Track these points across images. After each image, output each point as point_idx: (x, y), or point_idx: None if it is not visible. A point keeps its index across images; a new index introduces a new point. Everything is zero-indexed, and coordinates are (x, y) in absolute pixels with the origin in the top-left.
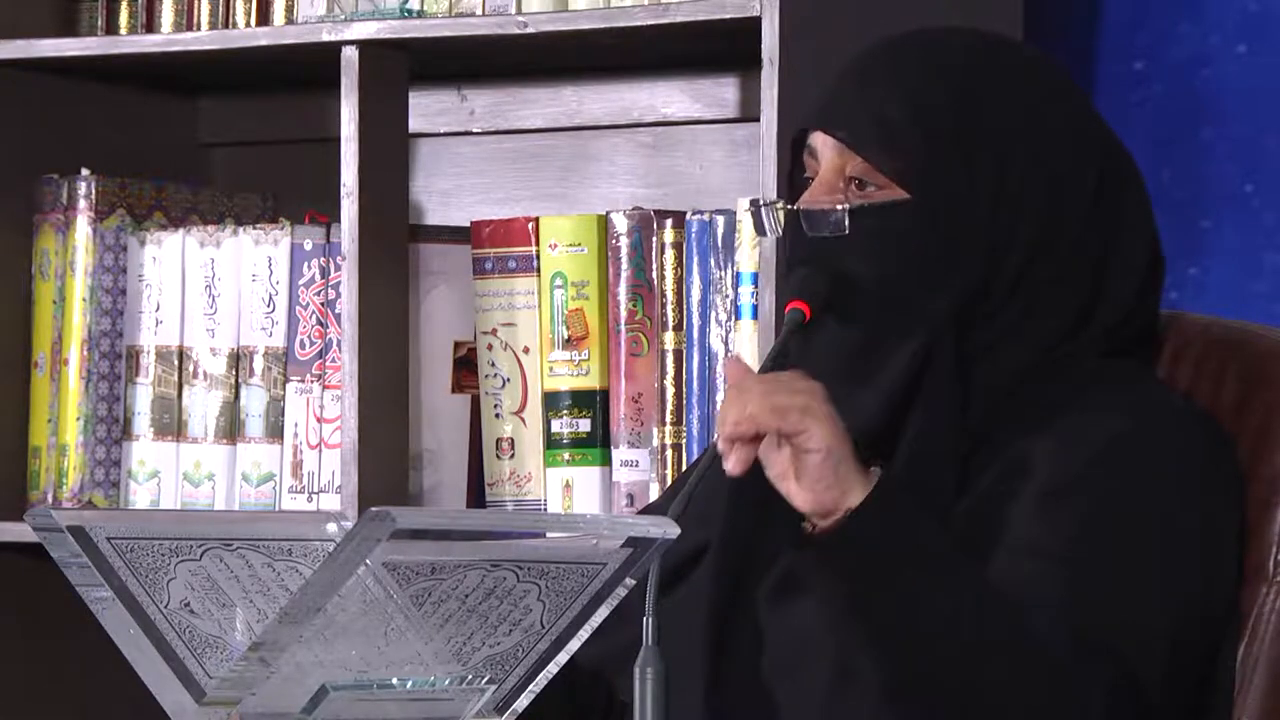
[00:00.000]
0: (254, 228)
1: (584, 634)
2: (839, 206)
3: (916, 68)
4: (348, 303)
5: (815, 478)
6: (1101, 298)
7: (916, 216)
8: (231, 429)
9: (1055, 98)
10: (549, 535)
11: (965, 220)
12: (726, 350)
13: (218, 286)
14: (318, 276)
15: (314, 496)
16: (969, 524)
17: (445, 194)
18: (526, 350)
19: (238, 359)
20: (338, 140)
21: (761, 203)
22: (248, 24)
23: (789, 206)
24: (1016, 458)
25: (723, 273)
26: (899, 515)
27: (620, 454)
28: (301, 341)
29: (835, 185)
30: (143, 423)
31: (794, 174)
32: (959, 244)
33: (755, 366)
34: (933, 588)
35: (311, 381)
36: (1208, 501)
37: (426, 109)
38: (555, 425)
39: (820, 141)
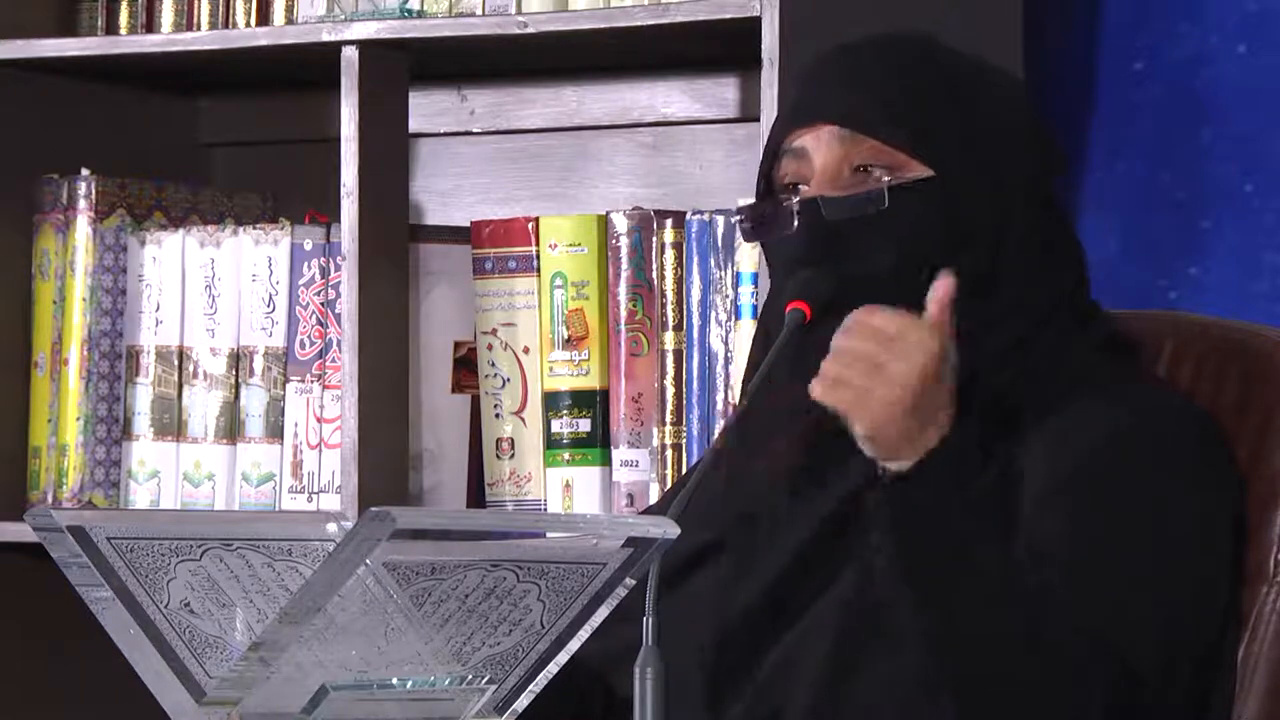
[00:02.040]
0: (254, 228)
1: (584, 634)
2: (871, 185)
3: (897, 56)
4: (348, 303)
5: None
6: (1078, 281)
7: (946, 191)
8: (231, 429)
9: (1014, 88)
10: (549, 535)
11: (976, 198)
12: (726, 350)
13: (218, 286)
14: (318, 276)
15: (314, 496)
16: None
17: (445, 194)
18: (526, 350)
19: (238, 359)
20: (338, 140)
21: (759, 202)
22: (248, 24)
23: (799, 198)
24: (1013, 455)
25: (723, 273)
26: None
27: (620, 454)
28: (301, 341)
29: (840, 175)
30: (143, 423)
31: (768, 181)
32: (973, 222)
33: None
34: (971, 567)
35: (311, 381)
36: (1204, 498)
37: (426, 109)
38: (555, 425)
39: (813, 140)
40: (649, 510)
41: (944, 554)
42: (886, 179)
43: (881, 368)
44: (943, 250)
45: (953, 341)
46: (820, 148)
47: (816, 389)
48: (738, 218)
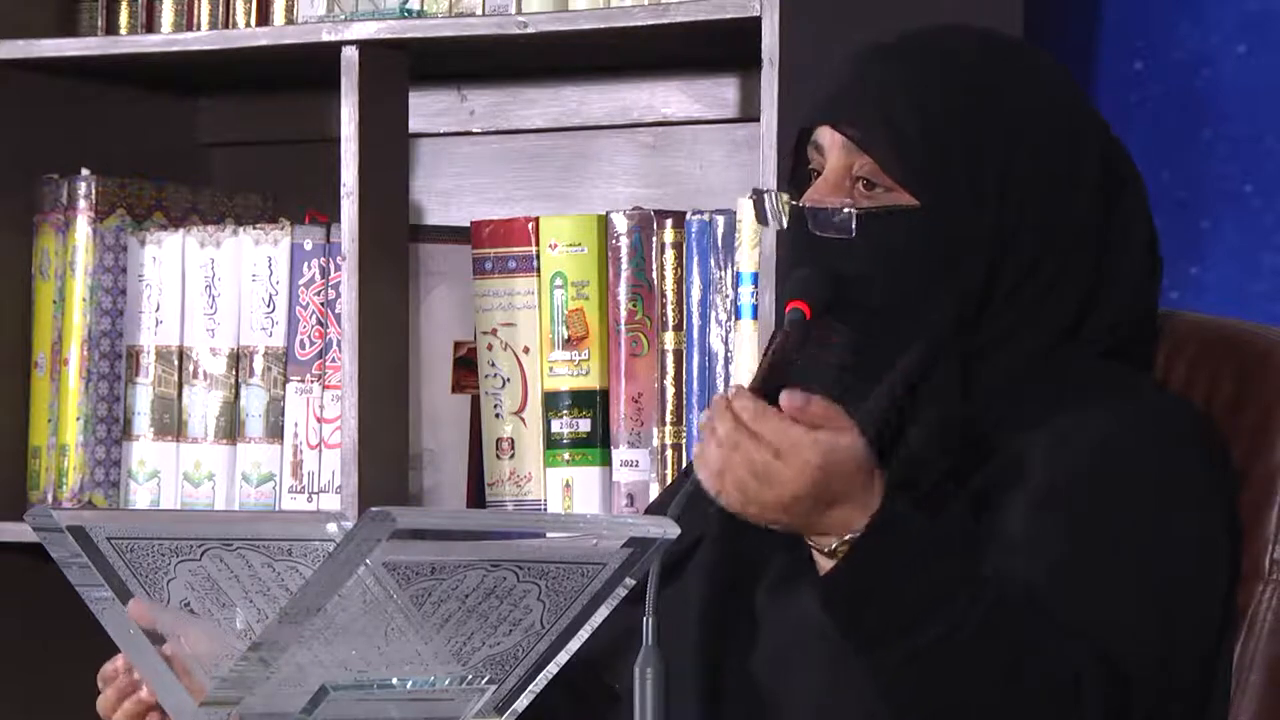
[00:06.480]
0: (254, 228)
1: (584, 634)
2: (845, 209)
3: (923, 68)
4: (348, 303)
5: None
6: (1098, 298)
7: (924, 223)
8: (231, 429)
9: (1057, 98)
10: (549, 535)
11: (971, 225)
12: (726, 350)
13: (218, 286)
14: (318, 276)
15: (314, 496)
16: (962, 524)
17: (445, 194)
18: (526, 350)
19: (238, 359)
20: (338, 140)
21: (766, 190)
22: (248, 24)
23: (793, 202)
24: (1010, 458)
25: (723, 273)
26: (901, 537)
27: (620, 454)
28: (301, 341)
29: (842, 183)
30: (143, 423)
31: (796, 167)
32: (964, 248)
33: (754, 366)
34: (934, 601)
35: (311, 381)
36: (1201, 502)
37: (426, 109)
38: (555, 425)
39: (828, 138)
40: (651, 508)
41: (894, 621)
42: (862, 205)
43: (767, 474)
44: (927, 274)
45: (864, 434)
46: (832, 150)
47: (701, 472)
48: (753, 198)
